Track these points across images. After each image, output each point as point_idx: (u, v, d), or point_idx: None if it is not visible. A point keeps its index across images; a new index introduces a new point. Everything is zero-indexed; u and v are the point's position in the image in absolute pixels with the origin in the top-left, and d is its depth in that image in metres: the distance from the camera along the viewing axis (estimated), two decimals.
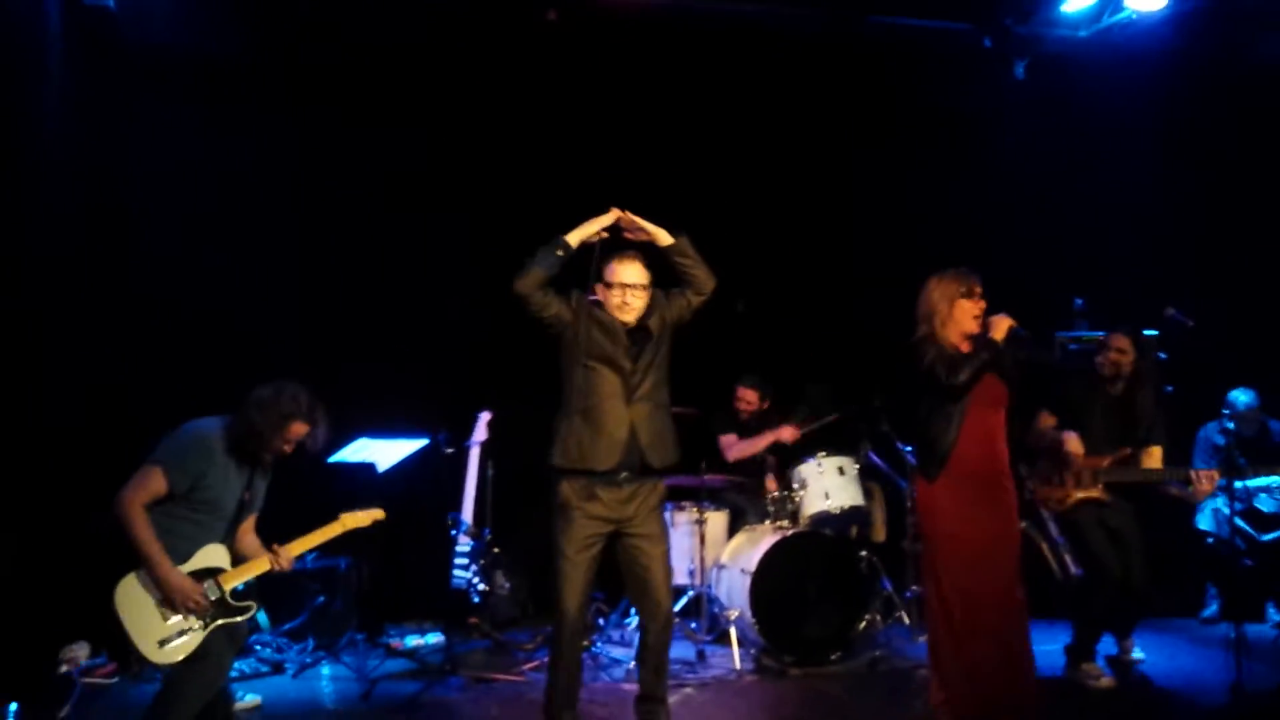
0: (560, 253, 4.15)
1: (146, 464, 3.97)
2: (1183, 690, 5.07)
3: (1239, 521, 6.16)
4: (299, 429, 4.10)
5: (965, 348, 4.29)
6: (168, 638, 3.88)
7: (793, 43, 6.95)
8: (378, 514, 4.50)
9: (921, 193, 7.23)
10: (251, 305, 6.26)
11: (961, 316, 4.29)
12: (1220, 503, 6.27)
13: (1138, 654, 5.42)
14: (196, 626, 3.93)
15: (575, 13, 6.42)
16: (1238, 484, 5.91)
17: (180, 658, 3.89)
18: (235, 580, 4.05)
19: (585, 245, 4.24)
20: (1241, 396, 6.42)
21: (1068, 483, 5.14)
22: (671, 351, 4.31)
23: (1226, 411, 6.34)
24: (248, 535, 4.22)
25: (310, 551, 5.44)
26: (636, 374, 4.15)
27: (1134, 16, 6.80)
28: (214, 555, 4.04)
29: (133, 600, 3.88)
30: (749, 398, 6.49)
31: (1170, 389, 5.63)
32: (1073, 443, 5.08)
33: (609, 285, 4.22)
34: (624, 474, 4.15)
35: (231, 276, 6.23)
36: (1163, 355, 6.06)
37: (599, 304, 4.26)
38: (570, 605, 4.15)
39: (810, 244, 7.36)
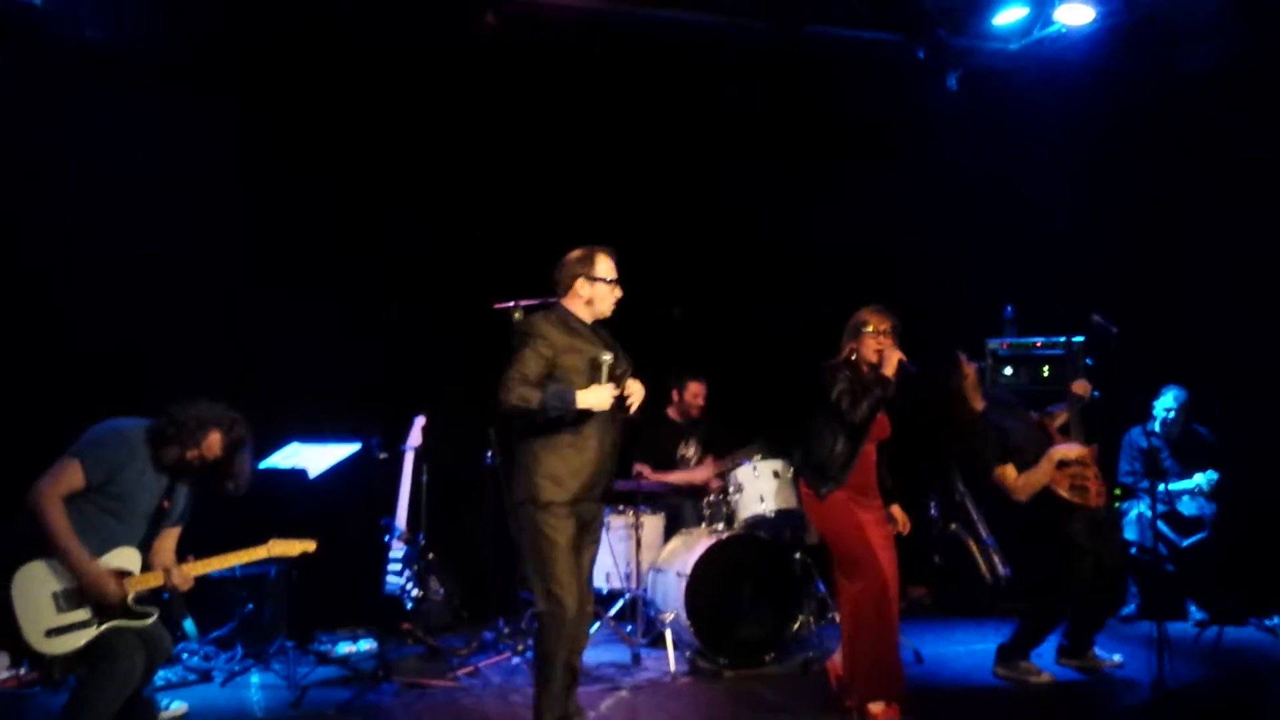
0: (564, 407, 4.02)
1: (64, 456, 3.94)
2: (1106, 687, 5.17)
3: (1161, 526, 6.30)
4: (214, 440, 4.05)
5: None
6: (57, 629, 3.85)
7: (729, 52, 7.00)
8: (308, 546, 4.42)
9: (855, 201, 7.32)
10: (182, 305, 6.16)
11: (865, 349, 4.66)
12: (1144, 507, 6.42)
13: (1116, 657, 5.41)
14: (91, 623, 3.89)
15: (514, 17, 6.40)
16: (1161, 488, 6.09)
17: (65, 651, 3.86)
18: (138, 587, 4.01)
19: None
20: (1171, 391, 6.58)
21: (1089, 474, 5.18)
22: None
23: (1156, 408, 6.51)
24: (166, 548, 4.16)
25: None
26: (614, 411, 4.15)
27: (1063, 30, 6.93)
28: (125, 557, 4.01)
29: (29, 588, 3.85)
30: (701, 391, 6.59)
31: (1097, 394, 5.73)
32: (1068, 451, 5.16)
33: (595, 279, 4.19)
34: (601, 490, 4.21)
35: (160, 277, 6.11)
36: (1089, 361, 6.19)
37: (565, 317, 4.19)
38: (570, 601, 4.04)
39: (745, 252, 7.42)
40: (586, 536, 4.20)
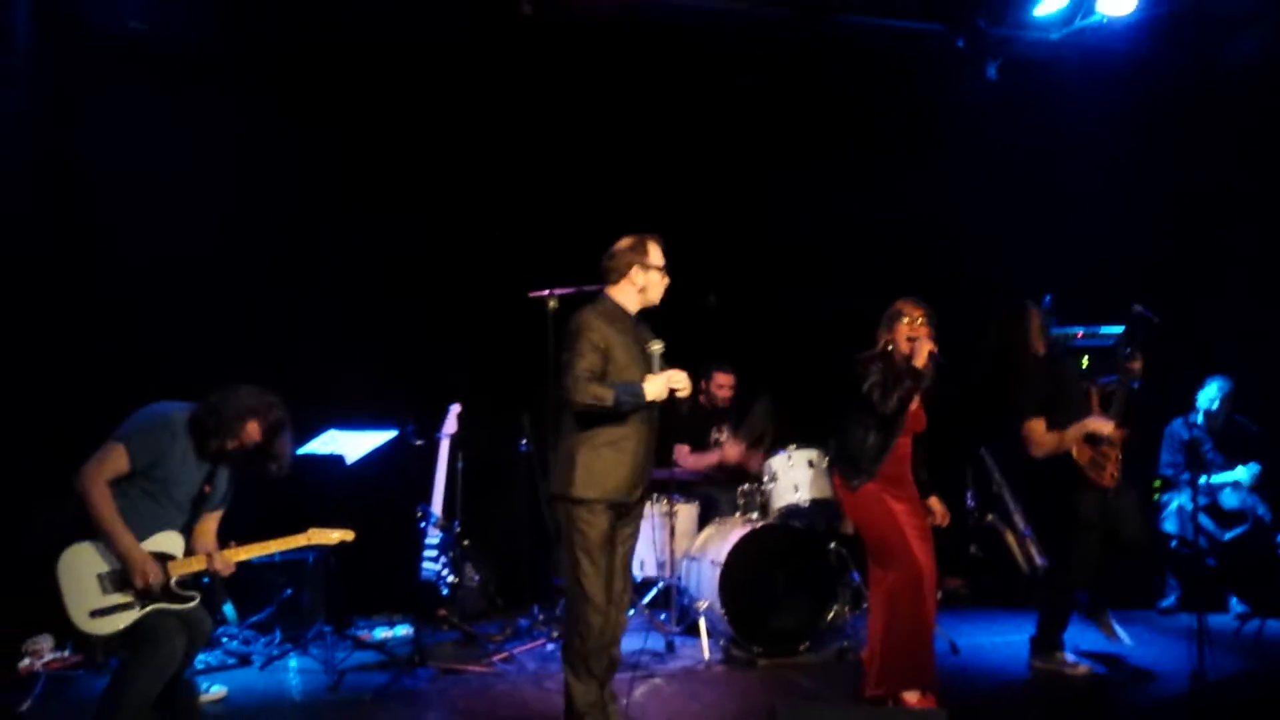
0: (635, 402, 4.07)
1: (109, 440, 3.98)
2: (1144, 679, 5.11)
3: (1203, 519, 6.22)
4: (252, 430, 4.09)
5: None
6: (101, 610, 3.91)
7: (767, 42, 6.98)
8: (347, 535, 4.46)
9: (893, 192, 7.28)
10: (219, 295, 6.23)
11: (899, 340, 4.66)
12: (1184, 499, 6.34)
13: (1125, 638, 5.38)
14: (134, 605, 3.94)
15: (550, 8, 6.41)
16: (1202, 480, 6.01)
17: (108, 632, 3.91)
18: (181, 571, 4.06)
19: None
20: (1215, 382, 6.50)
21: (1110, 455, 5.13)
22: None
23: (1199, 399, 6.44)
24: (207, 531, 4.21)
25: None
26: (654, 410, 4.17)
27: (1105, 20, 6.85)
28: (168, 542, 4.05)
29: (75, 568, 3.90)
30: (727, 382, 6.57)
31: (1137, 384, 5.68)
32: (1101, 425, 5.09)
33: (650, 267, 4.21)
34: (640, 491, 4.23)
35: (198, 267, 6.18)
36: (1129, 351, 6.12)
37: (610, 309, 4.20)
38: (598, 595, 4.09)
39: (781, 241, 7.40)
40: (624, 529, 4.21)
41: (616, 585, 4.20)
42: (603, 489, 4.07)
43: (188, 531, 4.15)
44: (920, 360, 4.57)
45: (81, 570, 3.92)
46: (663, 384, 4.07)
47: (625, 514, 4.19)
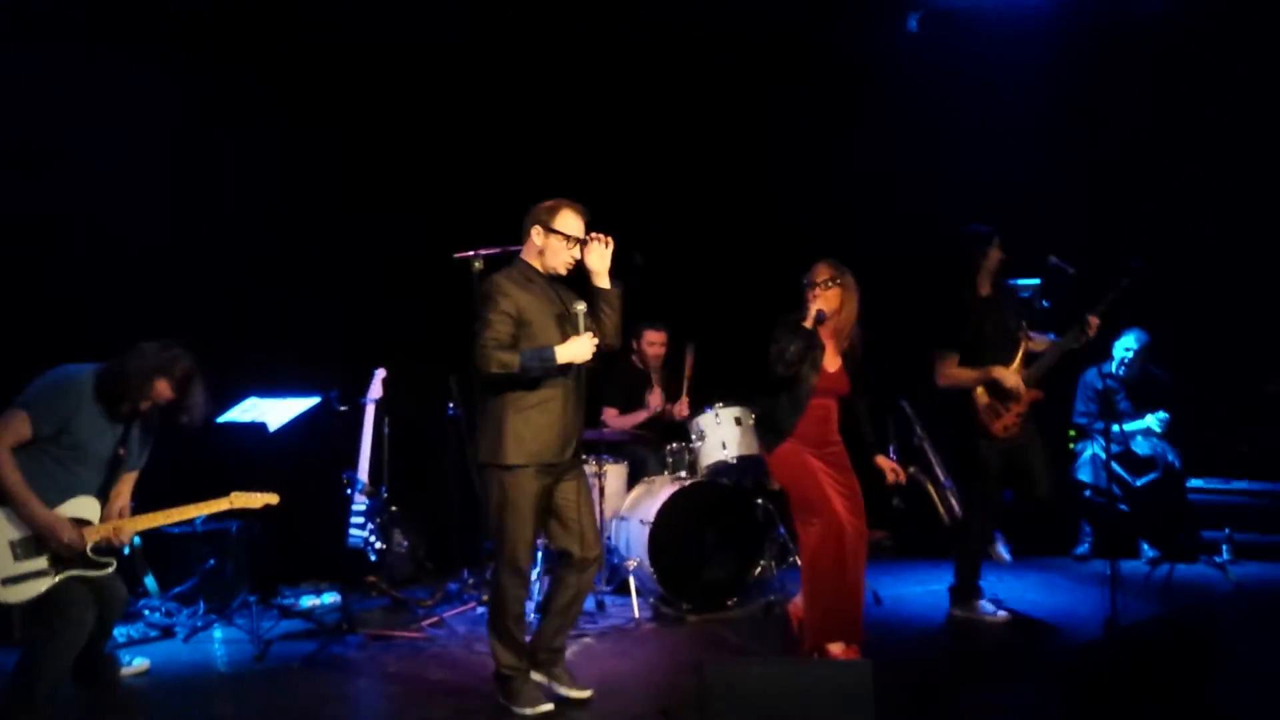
0: (545, 366, 4.00)
1: (11, 407, 3.90)
2: (1058, 625, 5.26)
3: (1115, 467, 6.40)
4: (162, 388, 4.01)
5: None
6: (14, 578, 3.85)
7: None
8: (270, 498, 4.43)
9: (812, 142, 7.30)
10: (141, 257, 6.05)
11: (810, 303, 4.68)
12: (1098, 448, 6.52)
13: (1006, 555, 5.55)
14: (49, 572, 3.87)
15: None
16: (1115, 428, 6.17)
17: (21, 600, 3.85)
18: (96, 536, 3.98)
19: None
20: (1132, 333, 6.65)
21: (1012, 409, 5.21)
22: None
23: (1115, 349, 6.59)
24: (122, 494, 4.13)
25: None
26: (581, 369, 4.13)
27: None
28: (83, 507, 3.99)
29: None
30: (659, 339, 6.57)
31: (1054, 336, 5.80)
32: (1006, 376, 5.17)
33: (552, 232, 4.09)
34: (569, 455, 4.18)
35: (121, 229, 5.99)
36: (1046, 303, 6.24)
37: (525, 271, 4.13)
38: (525, 563, 4.09)
39: (705, 196, 7.39)
40: (560, 485, 4.13)
41: (587, 545, 4.15)
42: (530, 453, 4.03)
43: (104, 495, 4.07)
44: (808, 320, 4.60)
45: None
46: (585, 346, 4.02)
47: (560, 478, 4.14)
